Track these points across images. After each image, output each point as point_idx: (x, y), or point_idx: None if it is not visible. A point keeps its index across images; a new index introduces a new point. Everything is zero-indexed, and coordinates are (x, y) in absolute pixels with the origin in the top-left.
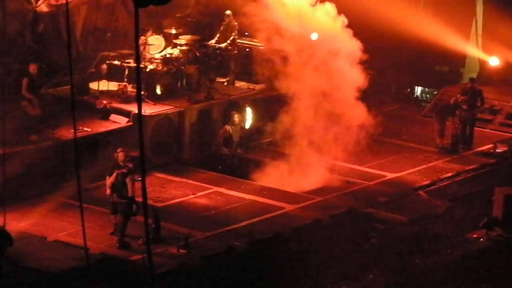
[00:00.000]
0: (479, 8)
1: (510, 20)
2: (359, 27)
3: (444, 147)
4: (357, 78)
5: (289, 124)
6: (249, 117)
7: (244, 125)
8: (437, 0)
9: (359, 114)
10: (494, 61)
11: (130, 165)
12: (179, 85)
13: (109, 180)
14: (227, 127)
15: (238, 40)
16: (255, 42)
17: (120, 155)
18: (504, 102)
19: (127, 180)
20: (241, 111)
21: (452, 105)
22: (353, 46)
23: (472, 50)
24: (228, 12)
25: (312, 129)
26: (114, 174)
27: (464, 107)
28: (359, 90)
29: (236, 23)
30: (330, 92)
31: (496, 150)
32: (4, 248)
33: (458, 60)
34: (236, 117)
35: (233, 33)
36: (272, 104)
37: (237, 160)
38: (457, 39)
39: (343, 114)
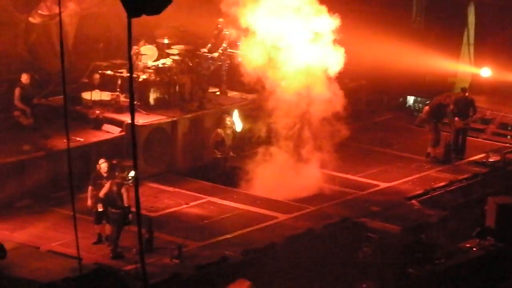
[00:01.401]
0: (471, 18)
1: (501, 30)
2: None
3: (436, 157)
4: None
5: (278, 133)
6: (237, 120)
7: (236, 128)
8: (429, 11)
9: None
10: (485, 72)
11: (123, 174)
12: (171, 95)
13: (102, 191)
14: (219, 130)
15: (230, 50)
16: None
17: (103, 166)
18: (496, 111)
19: (123, 190)
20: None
21: (441, 105)
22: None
23: (464, 60)
24: (220, 19)
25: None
26: (108, 184)
27: (456, 118)
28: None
29: (228, 32)
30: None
31: (489, 160)
32: None
33: (450, 70)
34: (227, 120)
35: (224, 42)
36: (263, 113)
37: (230, 163)
38: (449, 50)
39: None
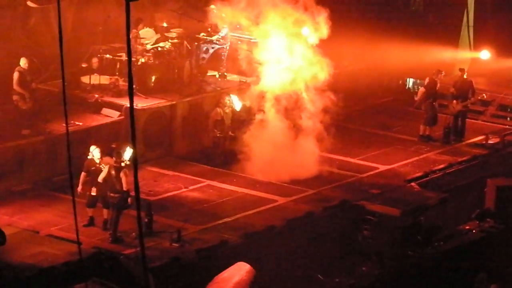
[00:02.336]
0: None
1: (501, 12)
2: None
3: (430, 136)
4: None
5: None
6: (236, 100)
7: (235, 108)
8: None
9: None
10: (485, 55)
11: (121, 159)
12: (170, 78)
13: (101, 175)
14: (218, 110)
15: (229, 33)
16: (246, 34)
17: (95, 153)
18: (495, 93)
19: (122, 174)
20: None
21: (433, 82)
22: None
23: (464, 42)
24: (212, 6)
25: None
26: (107, 169)
27: (455, 101)
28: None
29: (224, 15)
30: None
31: (488, 142)
32: None
33: (449, 52)
34: (227, 100)
35: (224, 26)
36: (262, 96)
37: (229, 142)
38: (448, 31)
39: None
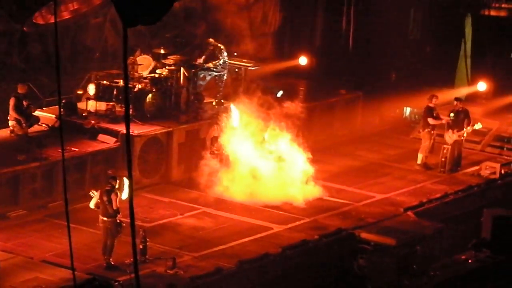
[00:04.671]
0: (468, 30)
1: (498, 42)
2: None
3: (427, 165)
4: None
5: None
6: (235, 115)
7: (232, 124)
8: (426, 22)
9: None
10: (481, 86)
11: (113, 183)
12: (167, 105)
13: (92, 202)
14: (215, 127)
15: (227, 60)
16: (244, 62)
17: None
18: (492, 123)
19: (112, 196)
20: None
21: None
22: None
23: (461, 72)
24: (210, 40)
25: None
26: (98, 194)
27: (450, 130)
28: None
29: (222, 47)
30: None
31: (485, 171)
32: None
33: (447, 81)
34: (224, 116)
35: (220, 55)
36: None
37: (226, 159)
38: (446, 62)
39: None
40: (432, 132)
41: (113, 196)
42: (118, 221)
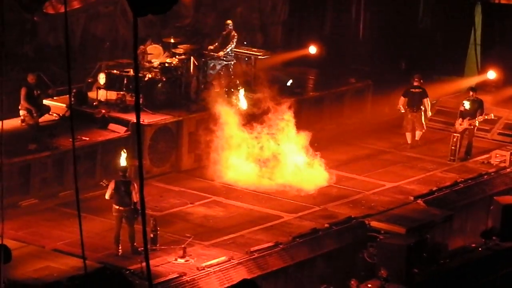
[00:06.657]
0: (478, 18)
1: (508, 30)
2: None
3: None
4: None
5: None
6: (243, 99)
7: (241, 107)
8: (436, 11)
9: None
10: (491, 75)
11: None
12: (177, 94)
13: (108, 193)
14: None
15: (237, 50)
16: (254, 51)
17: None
18: (502, 111)
19: (131, 188)
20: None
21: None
22: None
23: (471, 60)
24: (229, 21)
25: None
26: (112, 184)
27: (461, 119)
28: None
29: (235, 34)
30: None
31: (494, 160)
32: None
33: (457, 70)
34: (233, 99)
35: (231, 42)
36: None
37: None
38: (456, 50)
39: None
40: (404, 111)
41: (132, 188)
42: (133, 208)
